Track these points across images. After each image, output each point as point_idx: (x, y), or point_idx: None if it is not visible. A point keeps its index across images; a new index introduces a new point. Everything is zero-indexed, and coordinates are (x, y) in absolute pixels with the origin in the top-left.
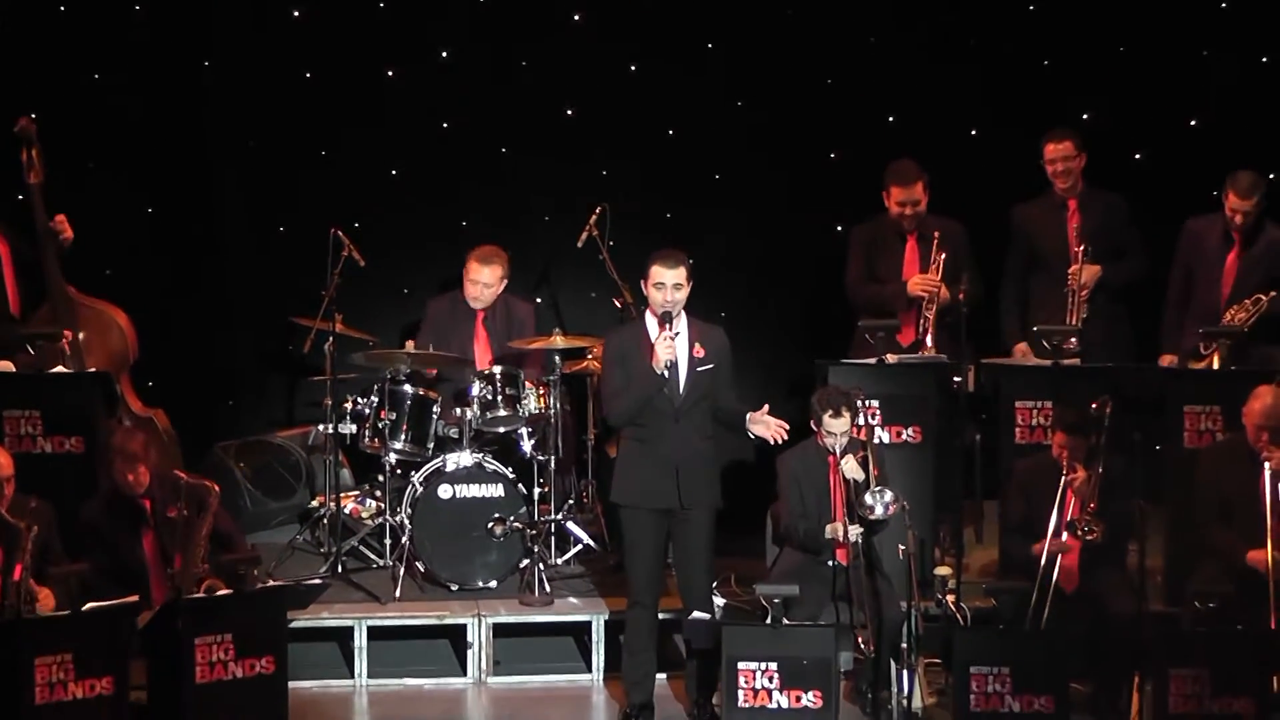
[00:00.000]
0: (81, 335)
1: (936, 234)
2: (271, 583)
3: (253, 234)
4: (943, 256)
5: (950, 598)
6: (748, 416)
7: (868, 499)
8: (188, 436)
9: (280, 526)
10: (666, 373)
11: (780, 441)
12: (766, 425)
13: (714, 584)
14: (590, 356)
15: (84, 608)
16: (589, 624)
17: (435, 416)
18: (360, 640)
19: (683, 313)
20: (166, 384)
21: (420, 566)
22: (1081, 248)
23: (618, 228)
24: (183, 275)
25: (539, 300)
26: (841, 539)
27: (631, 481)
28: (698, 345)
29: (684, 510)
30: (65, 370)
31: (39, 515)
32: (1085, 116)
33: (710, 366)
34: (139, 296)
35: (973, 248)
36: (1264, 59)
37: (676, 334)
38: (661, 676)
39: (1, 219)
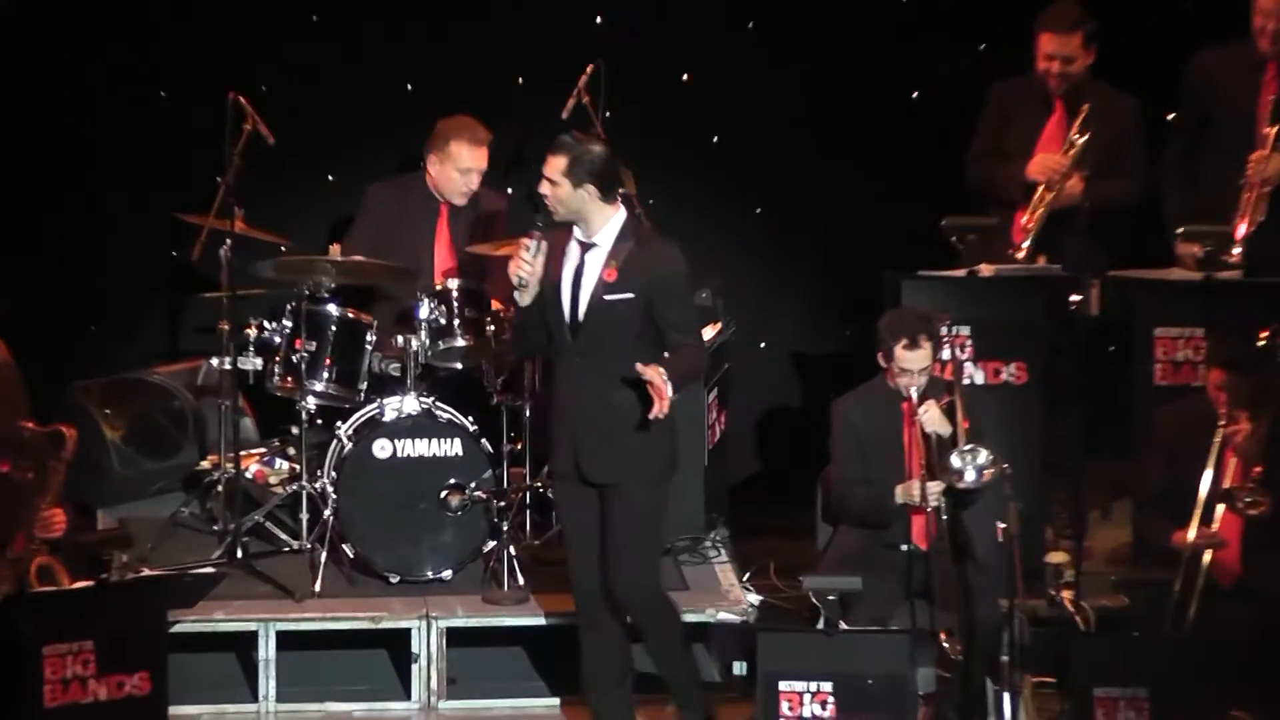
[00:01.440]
0: None
1: (1086, 106)
2: (146, 572)
3: (124, 100)
4: (1084, 137)
5: (1067, 594)
6: (636, 367)
7: (954, 460)
8: (34, 373)
9: (160, 495)
10: (520, 296)
11: (659, 416)
12: (652, 385)
13: (656, 590)
14: None
15: None
16: (575, 630)
17: (369, 348)
18: (267, 650)
19: (619, 219)
20: (6, 298)
21: (348, 551)
22: (1275, 130)
23: (616, 94)
24: (25, 152)
25: (509, 192)
26: (917, 502)
27: (549, 438)
28: (611, 266)
29: (595, 484)
30: None
31: None
32: None
33: (627, 297)
34: None
35: (1147, 139)
36: None
37: (538, 245)
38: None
39: None
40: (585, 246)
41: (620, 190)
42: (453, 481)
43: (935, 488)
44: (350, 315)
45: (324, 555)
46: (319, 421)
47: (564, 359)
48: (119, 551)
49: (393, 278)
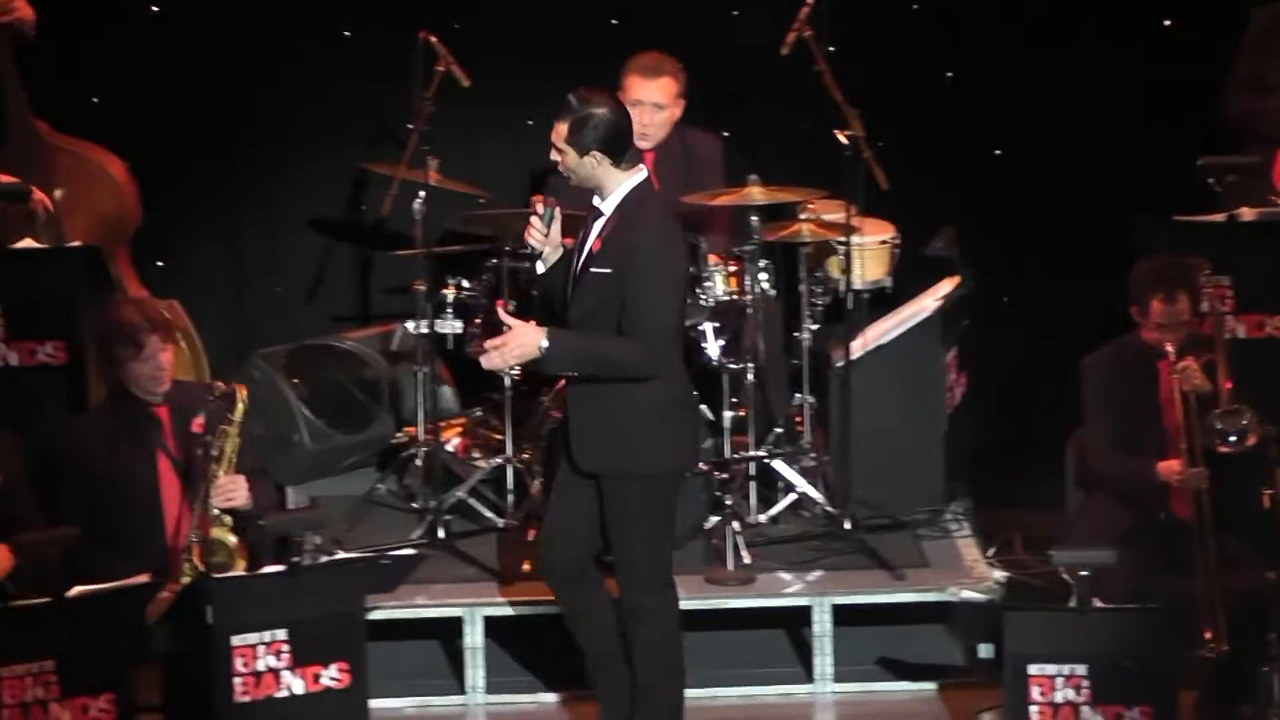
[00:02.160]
0: (58, 193)
1: None
2: (341, 554)
3: (305, 44)
4: None
5: None
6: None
7: (1216, 423)
8: (214, 340)
9: (352, 471)
10: (540, 265)
11: (507, 371)
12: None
13: (644, 603)
14: (803, 216)
15: (70, 592)
16: (808, 611)
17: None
18: (474, 638)
19: (628, 186)
20: (183, 262)
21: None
22: None
23: (842, 27)
24: (202, 105)
25: (726, 135)
26: (1178, 480)
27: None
28: (599, 236)
29: (589, 474)
30: (35, 244)
31: (3, 453)
32: None
33: (605, 272)
34: (141, 136)
35: None
36: None
37: (551, 211)
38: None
39: None
40: (595, 214)
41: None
42: None
43: (1202, 472)
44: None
45: (532, 534)
46: (524, 389)
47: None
48: (311, 533)
49: None
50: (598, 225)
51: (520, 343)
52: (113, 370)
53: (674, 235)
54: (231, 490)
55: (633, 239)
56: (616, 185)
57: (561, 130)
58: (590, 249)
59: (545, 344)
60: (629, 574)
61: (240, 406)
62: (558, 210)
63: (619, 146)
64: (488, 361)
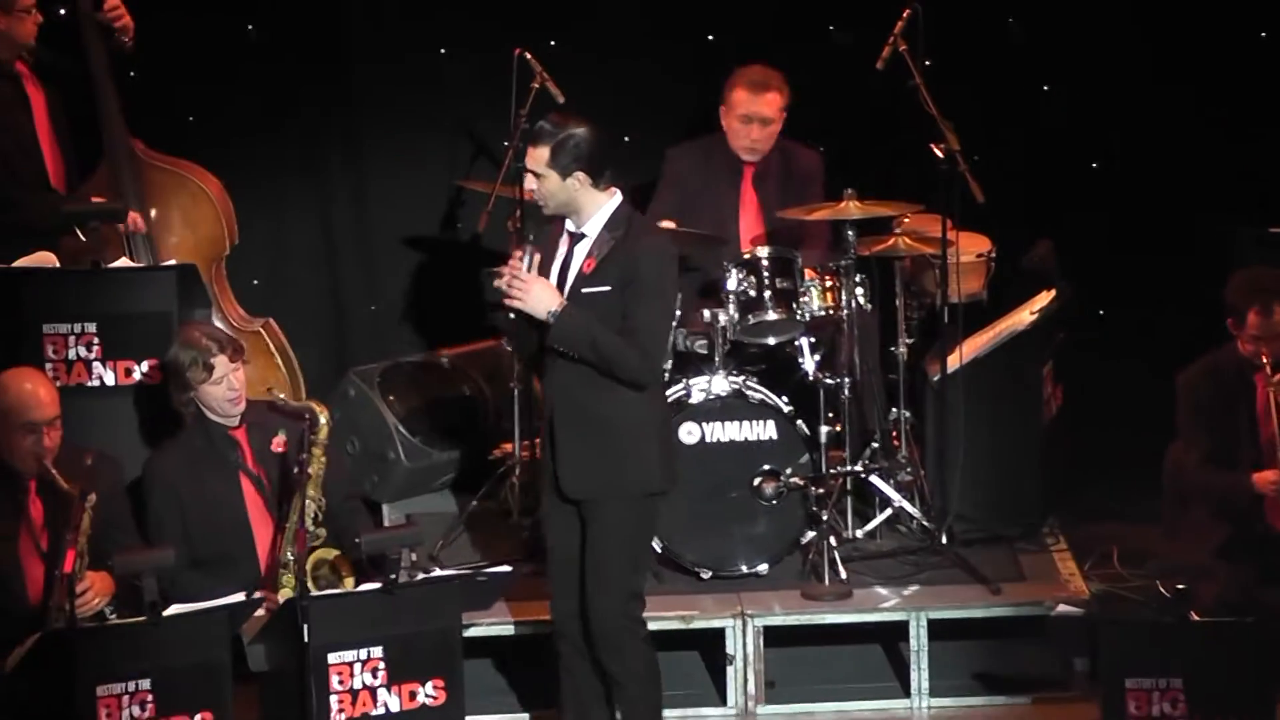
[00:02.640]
0: (154, 212)
1: None
2: (437, 571)
3: (398, 60)
4: None
5: None
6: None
7: None
8: (310, 356)
9: (446, 490)
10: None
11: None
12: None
13: (621, 626)
14: (898, 231)
15: (167, 610)
16: (905, 625)
17: (674, 323)
18: None
19: (610, 207)
20: (279, 281)
21: (655, 545)
22: None
23: (938, 41)
24: (297, 123)
25: (821, 150)
26: (1274, 492)
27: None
28: (591, 256)
29: (573, 501)
30: (132, 264)
31: (99, 476)
32: None
33: (603, 290)
34: (236, 154)
35: None
36: None
37: (530, 257)
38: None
39: (40, 44)
40: (575, 238)
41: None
42: (766, 467)
43: None
44: None
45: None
46: None
47: (545, 360)
48: (407, 550)
49: (697, 247)
50: (583, 247)
51: (537, 295)
52: (187, 395)
53: (674, 251)
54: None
55: (637, 251)
56: (596, 208)
57: (541, 155)
58: (580, 270)
59: (556, 309)
60: (609, 596)
61: (324, 426)
62: (537, 256)
63: (600, 166)
64: (499, 281)
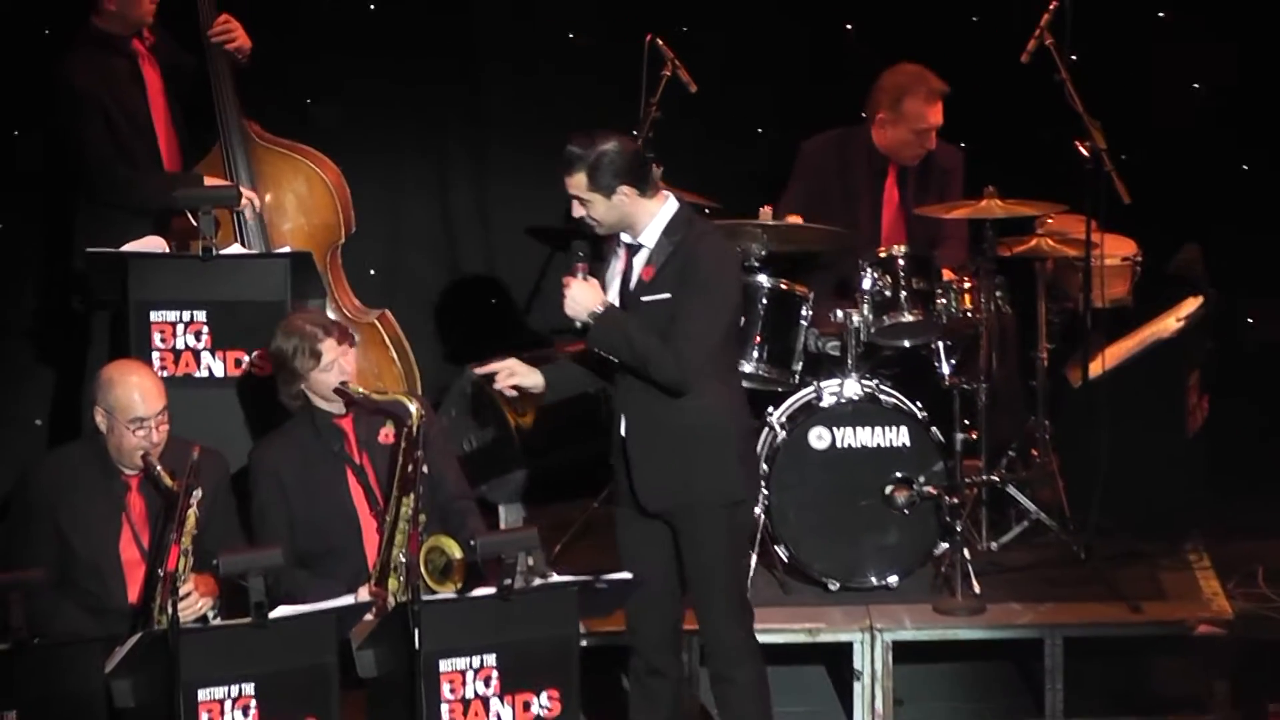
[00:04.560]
0: (269, 196)
1: None
2: (555, 577)
3: (526, 47)
4: None
5: None
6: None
7: None
8: (427, 351)
9: (570, 494)
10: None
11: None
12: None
13: (736, 639)
14: (1040, 232)
15: (273, 614)
16: (1040, 643)
17: (805, 323)
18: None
19: (667, 213)
20: (396, 271)
21: (781, 553)
22: None
23: (1085, 34)
24: (419, 108)
25: (962, 145)
26: None
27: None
28: (649, 264)
29: (655, 513)
30: (244, 250)
31: (207, 472)
32: None
33: (663, 298)
34: (355, 139)
35: None
36: None
37: (584, 278)
38: None
39: (160, 26)
40: (633, 250)
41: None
42: (899, 475)
43: None
44: (783, 287)
45: (754, 558)
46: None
47: (615, 374)
48: (524, 554)
49: (832, 244)
50: (641, 256)
51: (575, 297)
52: (297, 387)
53: (735, 255)
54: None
55: (696, 252)
56: (650, 216)
57: (580, 182)
58: (640, 278)
59: (598, 310)
60: (714, 611)
61: (416, 422)
62: (590, 278)
63: (642, 174)
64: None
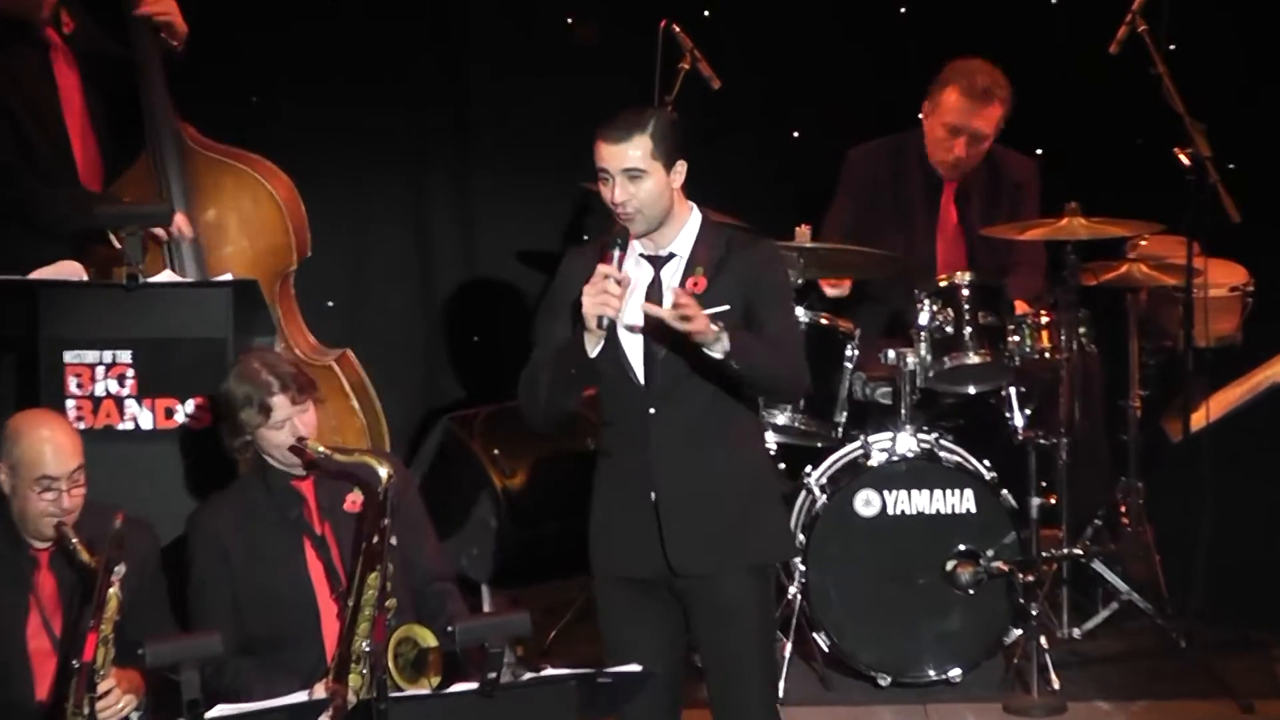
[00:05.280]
0: (211, 213)
1: None
2: (549, 670)
3: (516, 36)
4: None
5: None
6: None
7: None
8: (396, 396)
9: (567, 573)
10: (590, 342)
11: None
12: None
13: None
14: (1132, 257)
15: (210, 713)
16: None
17: (849, 365)
18: None
19: (697, 217)
20: (360, 303)
21: (822, 642)
22: None
23: (1187, 21)
24: (387, 108)
25: (1038, 153)
26: None
27: (598, 528)
28: (698, 273)
29: (688, 580)
30: (177, 278)
31: (132, 545)
32: None
33: (722, 310)
34: (308, 146)
35: None
36: None
37: (621, 270)
38: None
39: (80, 8)
40: (659, 261)
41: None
42: (963, 548)
43: None
44: (824, 322)
45: (788, 648)
46: (781, 466)
47: (628, 417)
48: (512, 642)
49: (881, 270)
50: (675, 268)
51: (696, 321)
52: (240, 440)
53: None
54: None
55: (753, 256)
56: (682, 221)
57: (640, 150)
58: (687, 290)
59: (719, 327)
60: (747, 692)
61: (385, 487)
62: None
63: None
64: (678, 317)
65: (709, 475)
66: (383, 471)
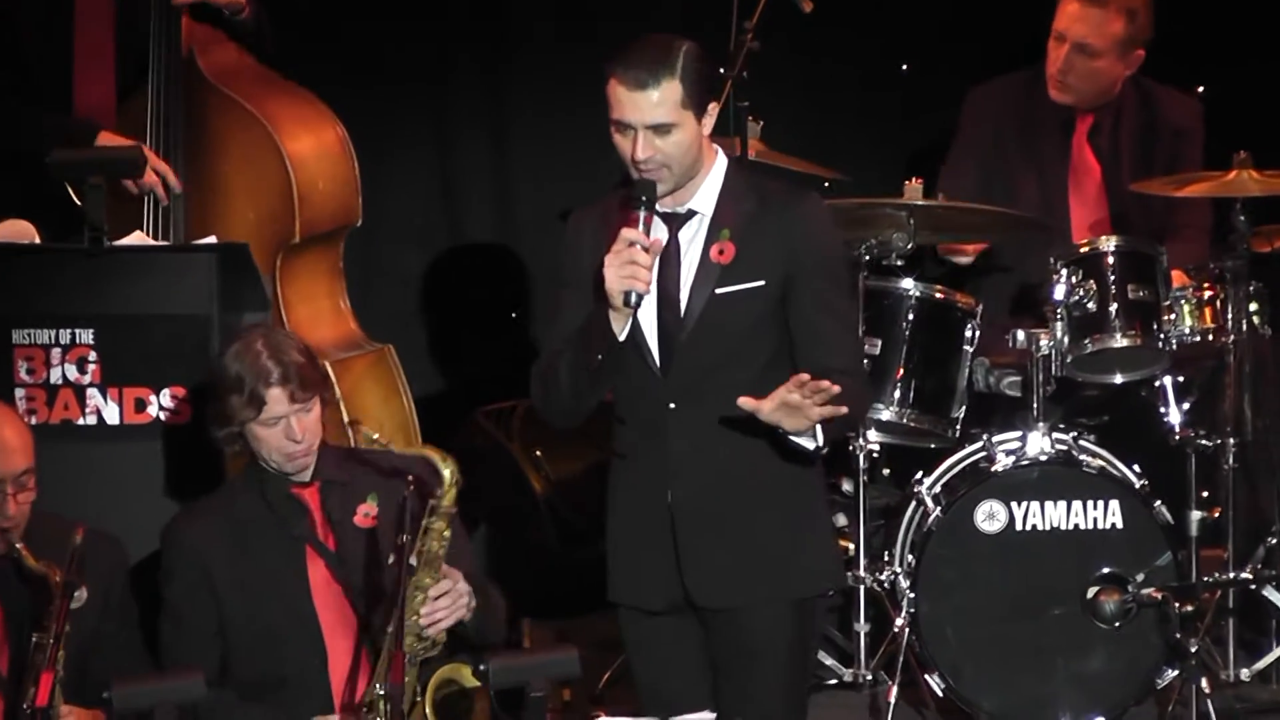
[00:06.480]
0: (213, 164)
1: None
2: (603, 718)
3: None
4: None
5: None
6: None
7: None
8: (426, 389)
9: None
10: (616, 322)
11: (822, 422)
12: (788, 401)
13: None
14: None
15: None
16: None
17: (969, 349)
18: None
19: (721, 166)
20: (380, 279)
21: (935, 684)
22: None
23: None
24: (425, 56)
25: (1200, 91)
26: None
27: (612, 547)
28: (723, 239)
29: (711, 611)
30: (148, 241)
31: (95, 564)
32: None
33: (755, 286)
34: (338, 99)
35: None
36: None
37: (650, 228)
38: None
39: None
40: (676, 221)
41: None
42: (1107, 572)
43: None
44: (938, 296)
45: (894, 692)
46: (885, 472)
47: (644, 413)
48: (556, 682)
49: (1008, 233)
50: (695, 230)
51: (802, 417)
52: (228, 430)
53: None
54: (442, 609)
55: (794, 215)
56: (706, 170)
57: (671, 95)
58: (709, 262)
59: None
60: None
61: (450, 489)
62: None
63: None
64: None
65: (738, 486)
66: (446, 471)
